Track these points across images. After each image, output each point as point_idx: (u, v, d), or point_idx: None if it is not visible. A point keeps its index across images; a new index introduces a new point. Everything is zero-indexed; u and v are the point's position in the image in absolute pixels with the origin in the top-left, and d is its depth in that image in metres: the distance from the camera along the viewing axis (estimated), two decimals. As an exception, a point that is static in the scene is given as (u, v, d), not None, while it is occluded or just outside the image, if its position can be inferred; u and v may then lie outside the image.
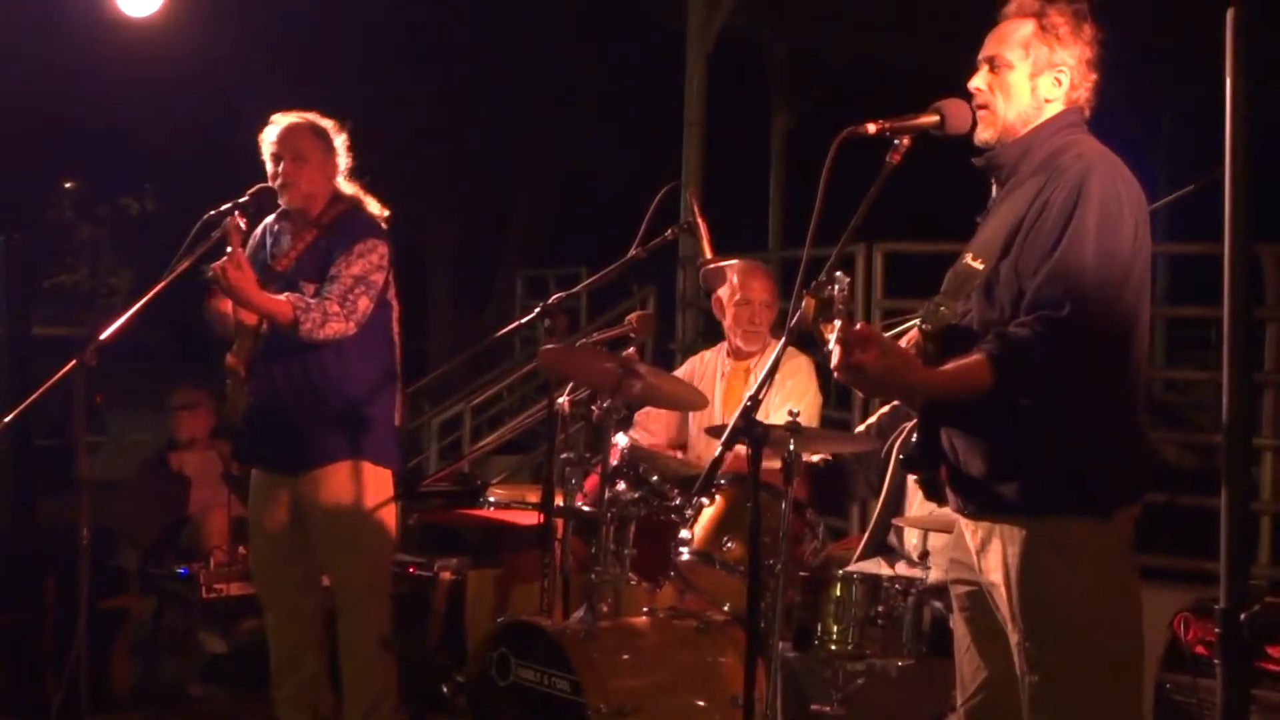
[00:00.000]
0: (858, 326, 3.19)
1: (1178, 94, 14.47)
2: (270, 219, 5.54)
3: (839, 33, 13.02)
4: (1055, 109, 3.49)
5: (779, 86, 13.81)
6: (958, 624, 3.68)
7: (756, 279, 5.81)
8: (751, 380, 5.77)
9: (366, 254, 5.28)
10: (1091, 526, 3.33)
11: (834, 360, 3.19)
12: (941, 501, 3.63)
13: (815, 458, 5.30)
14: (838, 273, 3.21)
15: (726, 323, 5.93)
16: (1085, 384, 3.27)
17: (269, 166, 5.35)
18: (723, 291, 5.87)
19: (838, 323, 3.17)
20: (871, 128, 3.42)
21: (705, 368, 6.04)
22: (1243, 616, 2.52)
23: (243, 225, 5.05)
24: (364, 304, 5.25)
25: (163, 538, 7.25)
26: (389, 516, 5.47)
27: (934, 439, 3.52)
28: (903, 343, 3.59)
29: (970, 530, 3.51)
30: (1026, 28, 3.49)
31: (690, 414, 5.91)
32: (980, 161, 3.58)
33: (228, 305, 5.33)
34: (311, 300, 5.18)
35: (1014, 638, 3.39)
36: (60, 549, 5.72)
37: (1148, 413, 3.51)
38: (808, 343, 3.78)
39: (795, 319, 3.40)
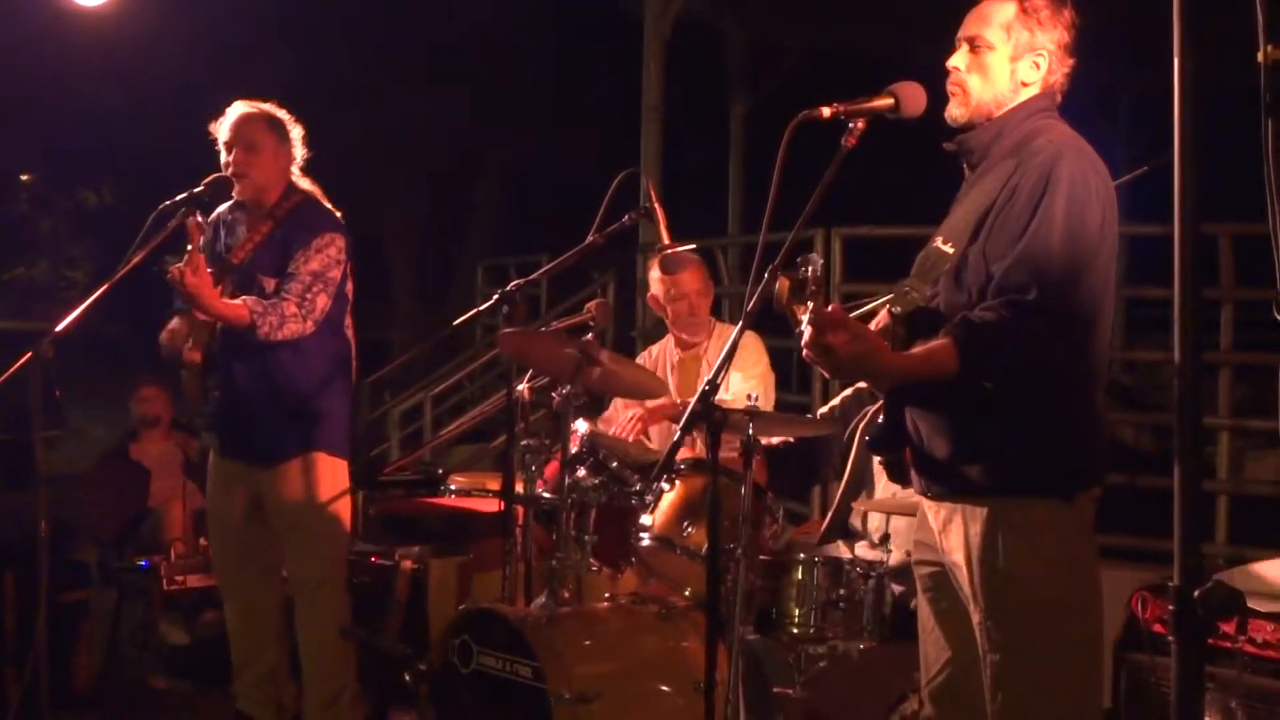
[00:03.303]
0: (830, 309, 3.20)
1: (1136, 77, 14.53)
2: (223, 208, 5.52)
3: (796, 18, 13.02)
4: (1031, 93, 3.50)
5: (737, 72, 13.81)
6: (921, 605, 3.70)
7: (685, 271, 5.80)
8: (704, 366, 5.79)
9: (324, 248, 5.28)
10: (1053, 508, 3.36)
11: (804, 340, 3.21)
12: (905, 484, 3.65)
13: (775, 440, 5.31)
14: (812, 254, 3.23)
15: (668, 319, 5.96)
16: (1049, 368, 3.30)
17: (222, 156, 5.34)
18: (657, 289, 5.89)
19: (810, 304, 3.18)
20: (826, 111, 3.43)
21: (656, 359, 6.06)
22: (1196, 593, 2.54)
23: (202, 223, 5.03)
24: (322, 302, 5.25)
25: (123, 530, 7.22)
26: (345, 508, 5.48)
27: (899, 421, 3.55)
28: (871, 325, 3.61)
29: (933, 511, 3.53)
30: (1009, 10, 3.49)
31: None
32: (951, 146, 3.59)
33: (181, 333, 5.33)
34: (268, 302, 5.16)
35: (975, 617, 3.41)
36: (18, 543, 5.69)
37: (1107, 395, 3.54)
38: (757, 323, 3.78)
39: (754, 303, 3.42)
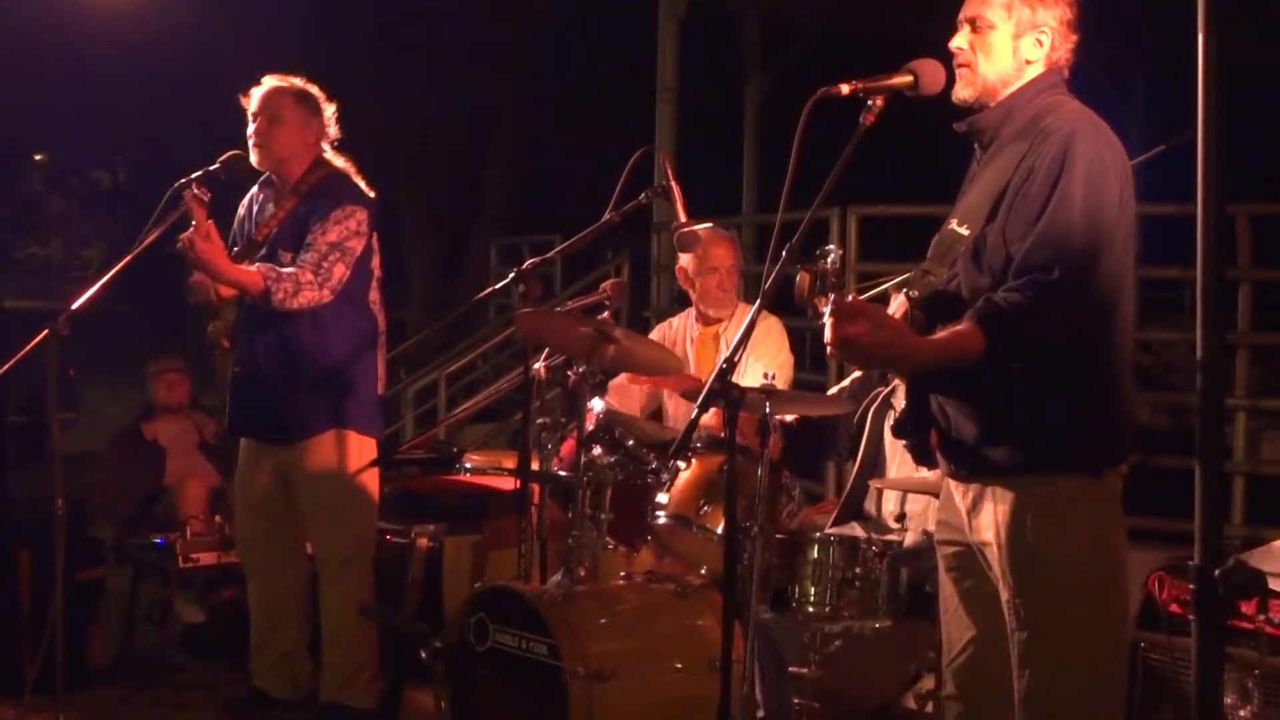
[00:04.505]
0: (849, 299, 3.19)
1: (1150, 56, 14.47)
2: (255, 188, 5.53)
3: (810, -2, 12.99)
4: (1036, 70, 3.48)
5: (751, 52, 13.76)
6: (944, 585, 3.68)
7: (720, 246, 5.81)
8: (723, 344, 5.78)
9: (344, 220, 5.26)
10: (1082, 484, 3.35)
11: (826, 334, 3.20)
12: (931, 465, 3.64)
13: (788, 417, 5.30)
14: (830, 246, 3.23)
15: (694, 293, 5.94)
16: (1075, 346, 3.29)
17: (249, 127, 5.34)
18: (687, 262, 5.88)
19: (832, 295, 3.18)
20: (845, 89, 3.41)
21: (675, 334, 6.04)
22: (1217, 572, 2.53)
23: (204, 197, 5.00)
24: (339, 271, 5.23)
25: (138, 508, 7.23)
26: (372, 486, 5.48)
27: (923, 404, 3.53)
28: (890, 309, 3.60)
29: (960, 492, 3.52)
30: None
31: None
32: (962, 126, 3.57)
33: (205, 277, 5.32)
34: (283, 270, 5.16)
35: (1004, 595, 3.41)
36: (34, 522, 5.70)
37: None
38: (776, 305, 3.79)
39: (771, 282, 3.41)
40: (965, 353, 3.25)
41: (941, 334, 3.29)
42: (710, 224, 5.29)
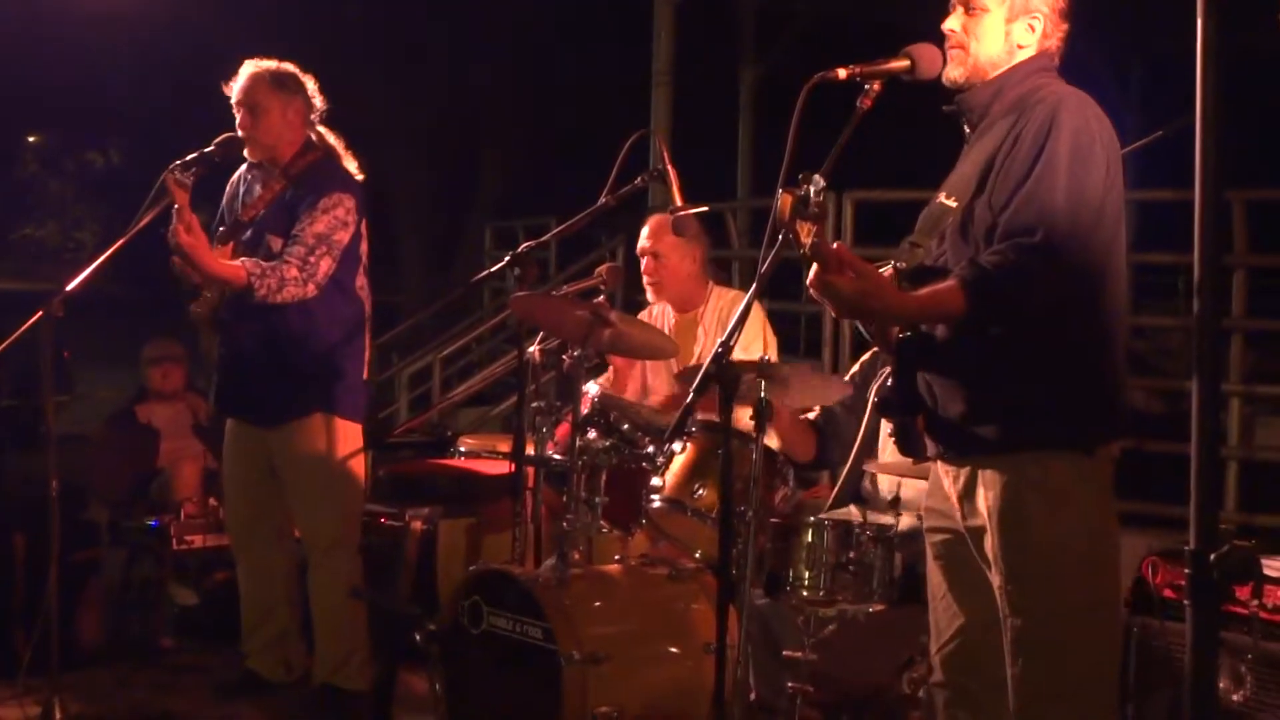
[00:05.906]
0: (834, 246, 3.18)
1: (1149, 43, 14.47)
2: (244, 168, 5.52)
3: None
4: (1027, 54, 3.49)
5: (747, 36, 13.76)
6: (933, 572, 3.68)
7: (649, 225, 5.79)
8: (700, 332, 5.79)
9: (331, 209, 5.25)
10: (1074, 465, 3.34)
11: (809, 277, 3.20)
12: (916, 455, 3.61)
13: (811, 414, 5.29)
14: (815, 174, 3.20)
15: None
16: (1059, 313, 3.28)
17: (236, 116, 5.33)
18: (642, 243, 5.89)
19: (813, 225, 3.16)
20: (842, 73, 3.40)
21: (655, 322, 6.02)
22: (1212, 558, 2.53)
23: (186, 181, 4.98)
24: (325, 265, 5.22)
25: (132, 490, 7.22)
26: (358, 469, 5.48)
27: (910, 384, 3.52)
28: None
29: (950, 476, 3.51)
30: None
31: (650, 368, 5.91)
32: (951, 107, 3.57)
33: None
34: (268, 265, 5.14)
35: (996, 581, 3.40)
36: (29, 504, 5.69)
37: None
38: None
39: (768, 266, 3.39)
40: (946, 310, 3.25)
41: (924, 290, 3.29)
42: (706, 208, 5.27)
